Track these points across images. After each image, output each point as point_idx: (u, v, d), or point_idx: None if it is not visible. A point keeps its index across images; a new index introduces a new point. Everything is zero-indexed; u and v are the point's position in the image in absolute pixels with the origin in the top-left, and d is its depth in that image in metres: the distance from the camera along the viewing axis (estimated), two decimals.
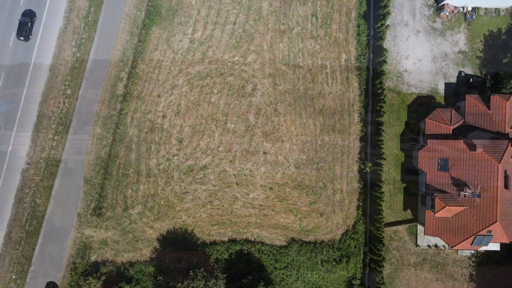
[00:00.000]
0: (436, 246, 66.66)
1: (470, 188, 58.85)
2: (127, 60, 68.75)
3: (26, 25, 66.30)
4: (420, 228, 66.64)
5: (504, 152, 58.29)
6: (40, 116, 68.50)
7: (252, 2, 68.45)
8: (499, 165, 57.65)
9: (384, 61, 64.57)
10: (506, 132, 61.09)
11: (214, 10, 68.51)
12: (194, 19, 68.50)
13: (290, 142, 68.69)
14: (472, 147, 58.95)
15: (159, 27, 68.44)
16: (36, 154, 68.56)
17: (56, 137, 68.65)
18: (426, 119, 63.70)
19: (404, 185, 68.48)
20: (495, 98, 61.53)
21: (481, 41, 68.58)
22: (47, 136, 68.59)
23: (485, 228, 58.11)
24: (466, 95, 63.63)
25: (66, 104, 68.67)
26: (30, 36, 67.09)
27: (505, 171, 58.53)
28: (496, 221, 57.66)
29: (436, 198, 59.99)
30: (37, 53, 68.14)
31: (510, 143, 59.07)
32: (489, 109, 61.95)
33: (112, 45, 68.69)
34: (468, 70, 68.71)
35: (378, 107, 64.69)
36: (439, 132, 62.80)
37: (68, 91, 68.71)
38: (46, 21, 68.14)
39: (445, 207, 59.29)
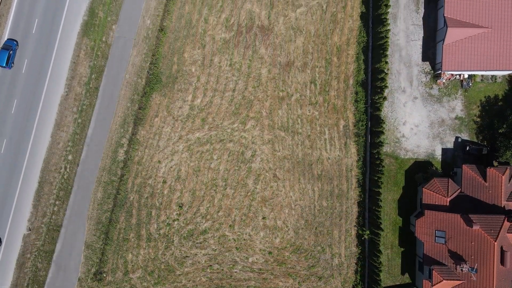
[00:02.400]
0: None
1: (466, 264, 59.53)
2: (127, 127, 69.59)
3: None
4: None
5: (500, 228, 58.99)
6: (41, 182, 69.28)
7: (251, 69, 69.33)
8: (495, 243, 58.37)
9: (382, 132, 65.36)
10: (502, 206, 61.83)
11: (213, 77, 69.40)
12: (194, 86, 69.39)
13: (289, 207, 69.46)
14: (469, 223, 59.68)
15: (160, 94, 69.31)
16: (38, 219, 69.32)
17: (57, 202, 69.43)
18: (423, 188, 64.45)
19: (402, 249, 69.19)
20: (491, 172, 62.30)
21: (478, 107, 69.45)
22: (49, 201, 69.36)
23: None
24: (463, 165, 64.38)
25: (68, 170, 69.46)
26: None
27: (502, 247, 59.22)
28: None
29: (434, 271, 60.70)
30: (38, 121, 68.88)
31: (506, 218, 59.78)
32: (486, 181, 62.68)
33: (113, 111, 69.55)
34: (465, 136, 69.55)
35: (376, 178, 65.44)
36: (436, 203, 63.52)
37: (70, 157, 69.51)
38: (48, 88, 68.92)
39: (442, 281, 59.97)
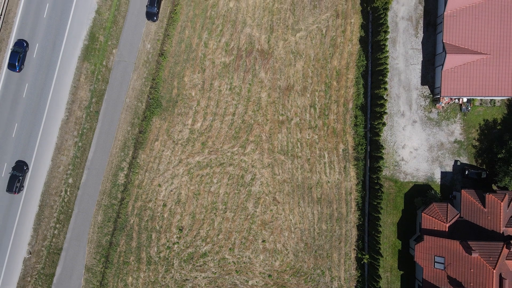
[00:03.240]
0: None
1: None
2: (128, 150, 69.85)
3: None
4: None
5: (499, 256, 59.19)
6: (42, 206, 69.53)
7: (251, 93, 69.61)
8: (494, 271, 58.57)
9: (381, 157, 65.60)
10: (501, 232, 62.03)
11: (213, 101, 69.68)
12: (194, 110, 69.66)
13: (288, 230, 69.68)
14: (468, 250, 59.88)
15: (160, 118, 69.57)
16: (38, 243, 69.54)
17: (58, 226, 69.67)
18: (422, 213, 64.65)
19: (402, 272, 69.39)
20: (490, 198, 62.51)
21: (477, 131, 69.68)
22: (49, 225, 69.59)
23: None
24: (462, 190, 64.56)
25: (68, 193, 69.71)
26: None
27: (500, 274, 59.43)
28: None
29: None
30: (39, 145, 69.14)
31: (504, 245, 59.98)
32: (485, 207, 62.90)
33: (113, 135, 69.81)
34: (464, 160, 69.77)
35: (375, 203, 65.68)
36: (435, 228, 63.71)
37: (70, 180, 69.76)
38: (48, 112, 69.21)
39: None
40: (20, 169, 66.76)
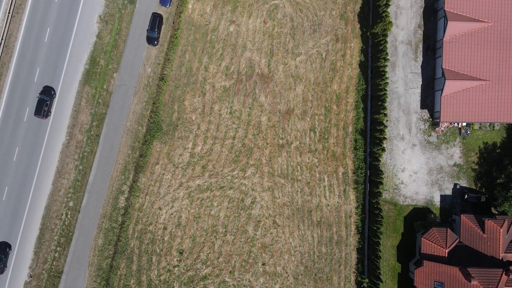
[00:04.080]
0: None
1: None
2: (128, 174, 70.09)
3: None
4: None
5: (498, 283, 59.42)
6: (42, 229, 69.77)
7: (251, 117, 69.87)
8: None
9: (381, 183, 65.86)
10: (500, 258, 62.26)
11: (214, 125, 69.94)
12: (195, 134, 69.91)
13: (288, 253, 69.90)
14: (468, 277, 60.10)
15: (160, 142, 69.82)
16: (39, 266, 69.76)
17: (58, 249, 69.89)
18: (421, 238, 64.86)
19: None
20: (489, 224, 62.76)
21: (476, 154, 69.94)
22: (50, 248, 69.82)
23: None
24: (461, 215, 64.80)
25: (69, 216, 69.95)
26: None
27: None
28: None
29: None
30: (40, 168, 69.41)
31: (504, 272, 60.21)
32: (484, 233, 63.14)
33: (114, 158, 70.07)
34: (464, 183, 70.03)
35: (375, 228, 65.92)
36: (435, 254, 63.93)
37: (71, 203, 70.01)
38: (49, 136, 69.46)
39: None
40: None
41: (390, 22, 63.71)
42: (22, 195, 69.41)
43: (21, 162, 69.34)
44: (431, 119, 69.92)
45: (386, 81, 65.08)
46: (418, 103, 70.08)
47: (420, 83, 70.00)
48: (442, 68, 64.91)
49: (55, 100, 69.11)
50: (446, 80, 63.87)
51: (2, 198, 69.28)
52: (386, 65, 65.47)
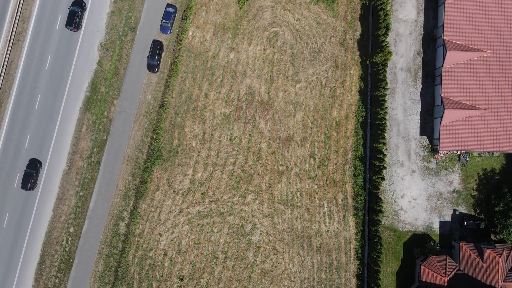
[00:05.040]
0: None
1: None
2: (129, 200, 70.35)
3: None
4: None
5: None
6: (43, 255, 70.00)
7: (251, 143, 70.14)
8: None
9: (380, 211, 66.11)
10: (499, 287, 62.47)
11: (214, 151, 70.21)
12: (195, 161, 70.18)
13: (288, 279, 70.10)
14: None
15: (161, 168, 70.09)
16: None
17: (58, 275, 70.11)
18: (421, 266, 65.09)
19: None
20: (488, 252, 63.02)
21: (475, 181, 70.19)
22: (50, 274, 70.03)
23: None
24: (460, 243, 65.07)
25: (69, 242, 70.18)
26: None
27: None
28: None
29: None
30: (40, 195, 69.69)
31: None
32: (483, 261, 63.38)
33: (115, 185, 70.33)
34: (463, 209, 70.29)
35: (374, 255, 66.13)
36: (434, 282, 64.16)
37: (71, 230, 70.26)
38: (50, 163, 69.75)
39: None
40: None
41: (389, 52, 64.03)
42: (23, 222, 69.68)
43: (22, 190, 69.46)
44: (430, 146, 70.19)
45: (386, 110, 65.37)
46: (418, 130, 70.35)
47: (419, 109, 70.29)
48: (441, 97, 65.19)
49: (55, 129, 69.38)
50: (445, 109, 64.15)
51: (3, 225, 69.55)
52: (386, 94, 65.76)
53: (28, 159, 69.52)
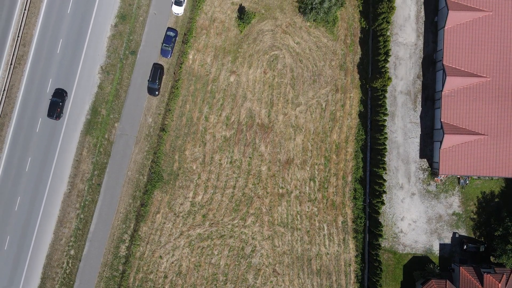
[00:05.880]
0: None
1: None
2: (129, 223, 70.55)
3: None
4: None
5: None
6: (44, 278, 70.16)
7: (252, 166, 70.34)
8: None
9: (380, 235, 66.30)
10: None
11: (214, 174, 70.40)
12: (195, 183, 70.37)
13: None
14: None
15: (161, 191, 70.28)
16: None
17: None
18: None
19: None
20: (488, 278, 63.19)
21: (475, 204, 70.39)
22: None
23: None
24: (460, 267, 65.26)
25: (70, 265, 70.34)
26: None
27: None
28: None
29: None
30: (41, 218, 69.90)
31: None
32: (483, 286, 63.52)
33: (115, 207, 70.52)
34: (463, 232, 70.46)
35: (374, 280, 66.30)
36: None
37: (72, 252, 70.43)
38: (50, 186, 69.97)
39: None
40: None
41: (389, 78, 64.26)
42: (24, 245, 69.86)
43: (23, 212, 69.80)
44: (430, 168, 70.39)
45: (386, 136, 65.59)
46: (417, 153, 70.57)
47: (419, 132, 70.52)
48: (441, 121, 65.39)
49: (56, 153, 69.63)
50: (445, 135, 64.37)
51: (3, 248, 69.73)
52: (385, 120, 65.97)
53: (28, 185, 69.66)
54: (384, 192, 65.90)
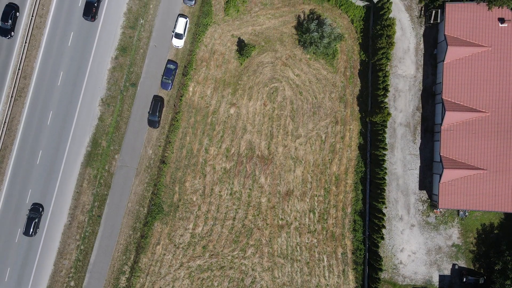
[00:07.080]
0: None
1: None
2: (130, 254, 70.70)
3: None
4: None
5: None
6: None
7: (251, 198, 70.54)
8: None
9: (380, 269, 66.44)
10: None
11: (214, 206, 70.60)
12: (195, 215, 70.56)
13: None
14: None
15: (161, 222, 70.47)
16: None
17: None
18: None
19: None
20: None
21: (474, 235, 70.52)
22: None
23: None
24: None
25: None
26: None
27: None
28: None
29: None
30: (41, 250, 70.07)
31: None
32: None
33: (116, 239, 70.69)
34: (462, 263, 70.60)
35: None
36: None
37: (72, 283, 70.59)
38: (51, 218, 70.18)
39: None
40: None
41: (389, 114, 64.46)
42: (24, 276, 70.02)
43: (23, 244, 69.96)
44: (429, 200, 70.54)
45: (385, 171, 65.78)
46: (417, 184, 70.73)
47: (418, 164, 70.69)
48: (440, 156, 65.58)
49: (56, 184, 69.93)
50: (444, 169, 64.55)
51: (4, 279, 69.87)
52: (385, 154, 66.17)
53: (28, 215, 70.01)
54: (384, 226, 66.07)
